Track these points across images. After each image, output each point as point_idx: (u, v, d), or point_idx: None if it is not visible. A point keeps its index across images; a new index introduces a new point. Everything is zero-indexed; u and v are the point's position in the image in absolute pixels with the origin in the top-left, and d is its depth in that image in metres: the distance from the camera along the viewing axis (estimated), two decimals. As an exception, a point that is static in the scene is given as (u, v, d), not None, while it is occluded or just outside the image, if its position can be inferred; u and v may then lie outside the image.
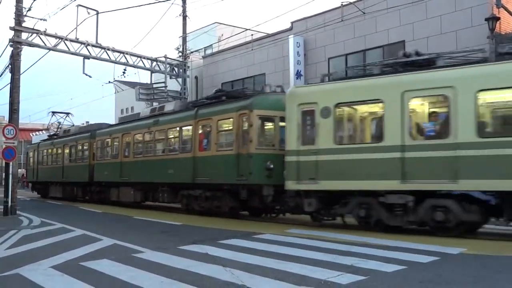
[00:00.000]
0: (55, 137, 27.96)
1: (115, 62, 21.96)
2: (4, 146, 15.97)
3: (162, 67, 23.96)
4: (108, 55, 21.58)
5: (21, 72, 16.90)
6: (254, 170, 12.44)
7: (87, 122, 34.39)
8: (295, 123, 11.27)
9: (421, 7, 17.01)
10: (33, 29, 18.41)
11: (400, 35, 17.81)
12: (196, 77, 27.68)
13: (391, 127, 9.85)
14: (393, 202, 9.89)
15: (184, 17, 24.49)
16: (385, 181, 9.85)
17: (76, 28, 19.98)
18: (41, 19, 17.78)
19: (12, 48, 16.91)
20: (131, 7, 46.36)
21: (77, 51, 20.45)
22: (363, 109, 11.06)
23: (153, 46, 76.21)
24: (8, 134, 15.67)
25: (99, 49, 21.14)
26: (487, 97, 9.22)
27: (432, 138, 9.63)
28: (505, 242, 8.91)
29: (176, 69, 24.60)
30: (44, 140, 29.88)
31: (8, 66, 18.09)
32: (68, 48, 20.13)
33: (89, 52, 20.83)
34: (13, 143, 15.86)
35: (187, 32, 25.31)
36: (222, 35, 32.85)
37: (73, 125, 28.29)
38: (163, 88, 22.95)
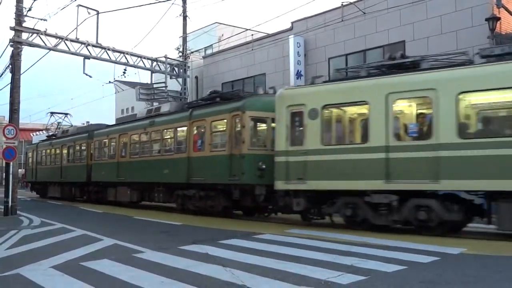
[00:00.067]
0: (54, 137, 28.11)
1: (115, 62, 21.98)
2: (4, 146, 15.98)
3: (162, 67, 23.97)
4: (108, 55, 21.59)
5: (22, 72, 16.92)
6: (246, 170, 12.69)
7: (88, 122, 34.49)
8: (284, 124, 11.51)
9: (421, 7, 17.02)
10: (33, 29, 18.41)
11: (400, 35, 17.81)
12: (196, 77, 27.69)
13: (376, 128, 10.08)
14: (378, 202, 10.12)
15: (184, 17, 24.50)
16: (370, 181, 10.09)
17: (76, 28, 20.03)
18: (41, 19, 17.82)
19: (12, 48, 16.93)
20: (131, 7, 46.43)
21: (78, 51, 20.46)
22: (349, 110, 11.31)
23: (153, 46, 76.36)
24: (9, 134, 15.70)
25: (100, 49, 21.16)
26: (468, 99, 9.43)
27: (415, 139, 9.85)
28: (505, 242, 8.91)
29: (176, 69, 24.61)
30: (43, 141, 30.03)
31: (8, 66, 18.11)
32: (68, 48, 20.14)
33: (89, 52, 20.84)
34: (14, 143, 15.88)
35: (187, 32, 25.31)
36: (222, 35, 32.89)
37: (72, 126, 28.44)
38: (164, 88, 22.96)
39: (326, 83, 11.67)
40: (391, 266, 6.52)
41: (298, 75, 20.80)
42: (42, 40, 19.12)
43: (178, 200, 16.01)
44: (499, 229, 9.11)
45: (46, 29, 19.12)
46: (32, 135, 39.54)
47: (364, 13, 18.43)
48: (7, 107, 17.29)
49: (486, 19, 14.58)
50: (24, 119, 37.58)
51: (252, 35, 24.35)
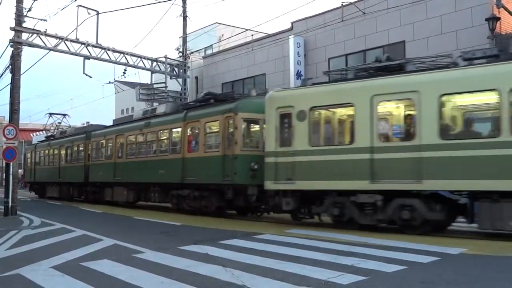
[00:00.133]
0: (52, 138, 28.29)
1: (115, 62, 21.98)
2: (4, 147, 15.98)
3: (162, 67, 23.98)
4: (108, 55, 21.60)
5: (22, 72, 16.94)
6: (239, 171, 12.89)
7: (88, 122, 34.48)
8: (274, 125, 11.72)
9: (421, 7, 17.02)
10: (33, 29, 18.42)
11: (400, 35, 17.82)
12: (196, 77, 27.70)
13: (361, 129, 10.27)
14: (363, 201, 10.32)
15: (185, 18, 24.50)
16: (356, 181, 10.27)
17: (76, 28, 20.04)
18: (41, 20, 17.83)
19: (12, 49, 16.94)
20: (131, 7, 46.49)
21: (78, 52, 20.46)
22: (336, 112, 11.50)
23: (153, 47, 76.36)
24: (9, 134, 15.71)
25: (100, 50, 21.17)
26: (450, 101, 9.61)
27: (399, 140, 10.09)
28: (505, 242, 8.91)
29: (176, 69, 24.61)
30: (42, 141, 30.23)
31: (8, 66, 18.11)
32: (68, 48, 20.15)
33: (89, 52, 20.84)
34: (14, 143, 15.89)
35: (187, 32, 25.31)
36: (222, 35, 32.90)
37: (70, 126, 28.58)
38: (164, 89, 22.98)
39: (314, 85, 11.86)
40: (391, 266, 6.52)
41: (298, 75, 20.80)
42: (42, 41, 19.13)
43: (173, 200, 16.22)
44: (479, 228, 9.29)
45: (46, 29, 19.15)
46: (32, 136, 39.51)
47: (364, 13, 18.43)
48: (7, 108, 17.33)
49: (486, 19, 14.58)
50: (24, 120, 37.63)
51: (252, 35, 24.36)
